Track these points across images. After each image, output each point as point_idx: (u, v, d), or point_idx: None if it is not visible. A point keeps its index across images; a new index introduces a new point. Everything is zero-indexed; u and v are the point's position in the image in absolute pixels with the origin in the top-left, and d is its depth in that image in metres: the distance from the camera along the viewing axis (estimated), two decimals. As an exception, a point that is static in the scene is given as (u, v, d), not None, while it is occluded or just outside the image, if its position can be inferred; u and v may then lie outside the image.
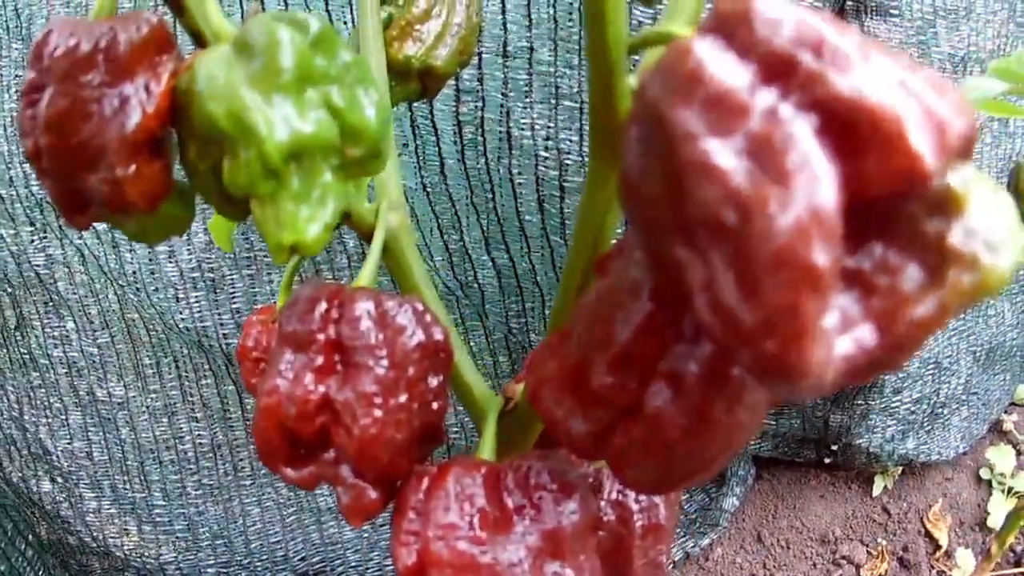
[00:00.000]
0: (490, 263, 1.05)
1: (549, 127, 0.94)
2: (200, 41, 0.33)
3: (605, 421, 0.26)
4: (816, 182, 0.16)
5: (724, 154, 0.17)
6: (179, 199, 0.31)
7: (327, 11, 0.93)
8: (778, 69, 0.18)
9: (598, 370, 0.24)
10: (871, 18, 0.98)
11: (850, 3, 0.97)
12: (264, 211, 0.26)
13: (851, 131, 0.17)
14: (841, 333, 0.17)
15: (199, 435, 1.21)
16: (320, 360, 0.36)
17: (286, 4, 0.93)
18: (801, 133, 0.17)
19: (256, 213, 0.27)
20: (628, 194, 0.19)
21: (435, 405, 0.40)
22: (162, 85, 0.27)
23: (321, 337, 0.36)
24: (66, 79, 0.27)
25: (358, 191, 0.40)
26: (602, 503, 0.48)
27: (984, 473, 1.38)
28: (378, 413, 0.35)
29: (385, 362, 0.35)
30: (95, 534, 1.21)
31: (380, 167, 0.32)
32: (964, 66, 1.05)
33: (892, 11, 0.98)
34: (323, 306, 0.36)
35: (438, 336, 0.39)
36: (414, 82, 0.52)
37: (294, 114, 0.26)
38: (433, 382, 0.40)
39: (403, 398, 0.35)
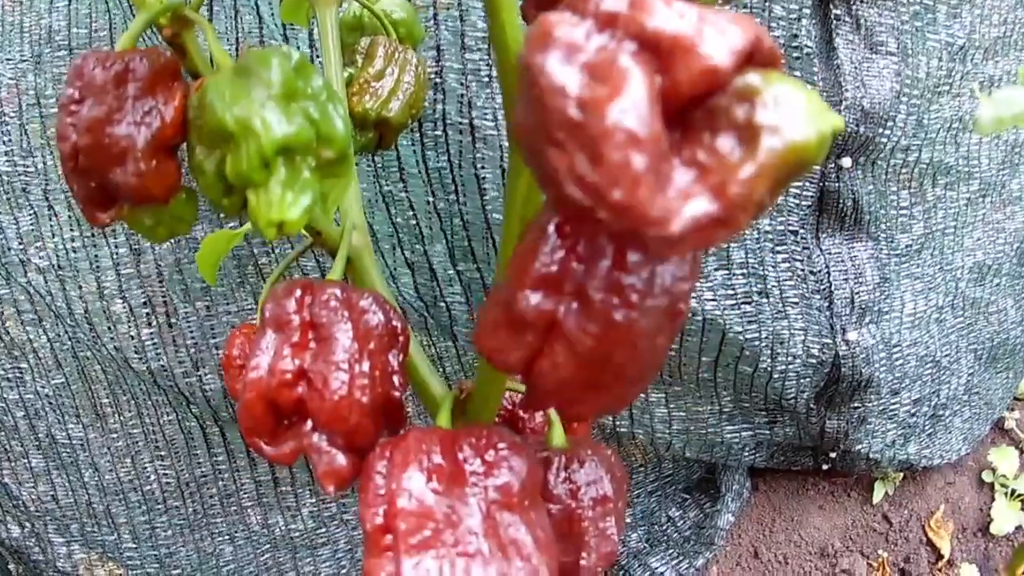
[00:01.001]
0: (456, 278, 1.15)
1: (513, 116, 1.03)
2: (197, 79, 0.46)
3: (534, 344, 0.36)
4: (632, 80, 0.27)
5: (568, 74, 0.28)
6: (186, 199, 0.44)
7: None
8: (606, 21, 0.29)
9: (520, 298, 0.35)
10: (861, 2, 1.05)
11: (838, -14, 1.03)
12: (258, 196, 0.39)
13: (659, 51, 0.28)
14: (685, 201, 0.28)
15: (165, 474, 1.30)
16: (296, 337, 0.47)
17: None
18: (621, 56, 0.28)
19: (251, 200, 0.39)
20: (519, 135, 0.31)
21: (396, 380, 0.51)
22: (176, 101, 0.41)
23: (296, 318, 0.48)
24: (102, 92, 0.41)
25: (326, 214, 0.52)
26: (551, 478, 0.60)
27: (987, 476, 1.50)
28: (344, 377, 0.46)
29: (350, 334, 0.47)
30: (67, 577, 1.31)
31: (346, 171, 0.44)
32: (964, 55, 1.12)
33: (886, -6, 1.02)
34: (298, 292, 0.48)
35: (396, 321, 0.52)
36: (371, 131, 0.68)
37: (283, 119, 0.39)
38: (393, 360, 0.51)
39: (366, 366, 0.47)
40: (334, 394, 0.46)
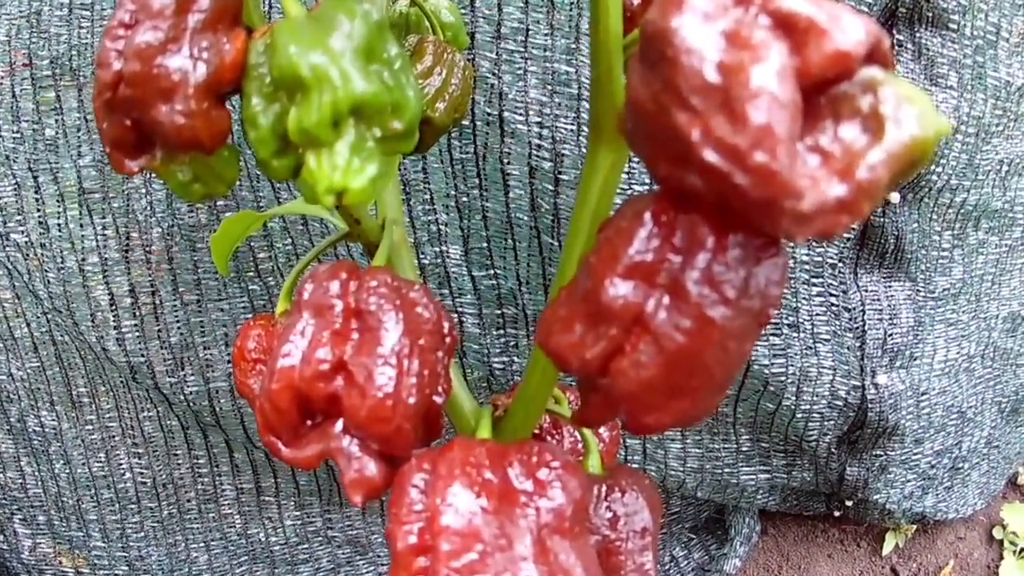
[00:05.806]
0: (470, 284, 1.12)
1: (545, 112, 1.01)
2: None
3: (615, 339, 0.35)
4: (772, 50, 0.28)
5: (706, 39, 0.29)
6: (229, 155, 0.40)
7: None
8: None
9: (608, 286, 0.34)
10: (925, 29, 1.03)
11: (903, 10, 1.03)
12: (320, 157, 0.35)
13: (794, 31, 0.29)
14: (812, 188, 0.28)
15: (140, 472, 1.25)
16: (338, 324, 0.43)
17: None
18: (759, 28, 0.29)
19: (310, 161, 0.35)
20: (634, 109, 0.30)
21: (440, 387, 0.47)
22: (239, 43, 0.37)
23: (339, 304, 0.44)
24: (160, 17, 0.37)
25: (377, 195, 0.48)
26: (591, 506, 0.56)
27: (997, 532, 1.50)
28: (391, 373, 0.42)
29: (401, 327, 0.43)
30: (31, 571, 1.26)
31: (409, 146, 0.41)
32: (1020, 96, 1.10)
33: (950, 24, 1.02)
34: (343, 276, 0.44)
35: (445, 320, 0.47)
36: None
37: (360, 77, 0.35)
38: (440, 362, 0.47)
39: (416, 364, 0.43)
40: (378, 391, 0.42)
